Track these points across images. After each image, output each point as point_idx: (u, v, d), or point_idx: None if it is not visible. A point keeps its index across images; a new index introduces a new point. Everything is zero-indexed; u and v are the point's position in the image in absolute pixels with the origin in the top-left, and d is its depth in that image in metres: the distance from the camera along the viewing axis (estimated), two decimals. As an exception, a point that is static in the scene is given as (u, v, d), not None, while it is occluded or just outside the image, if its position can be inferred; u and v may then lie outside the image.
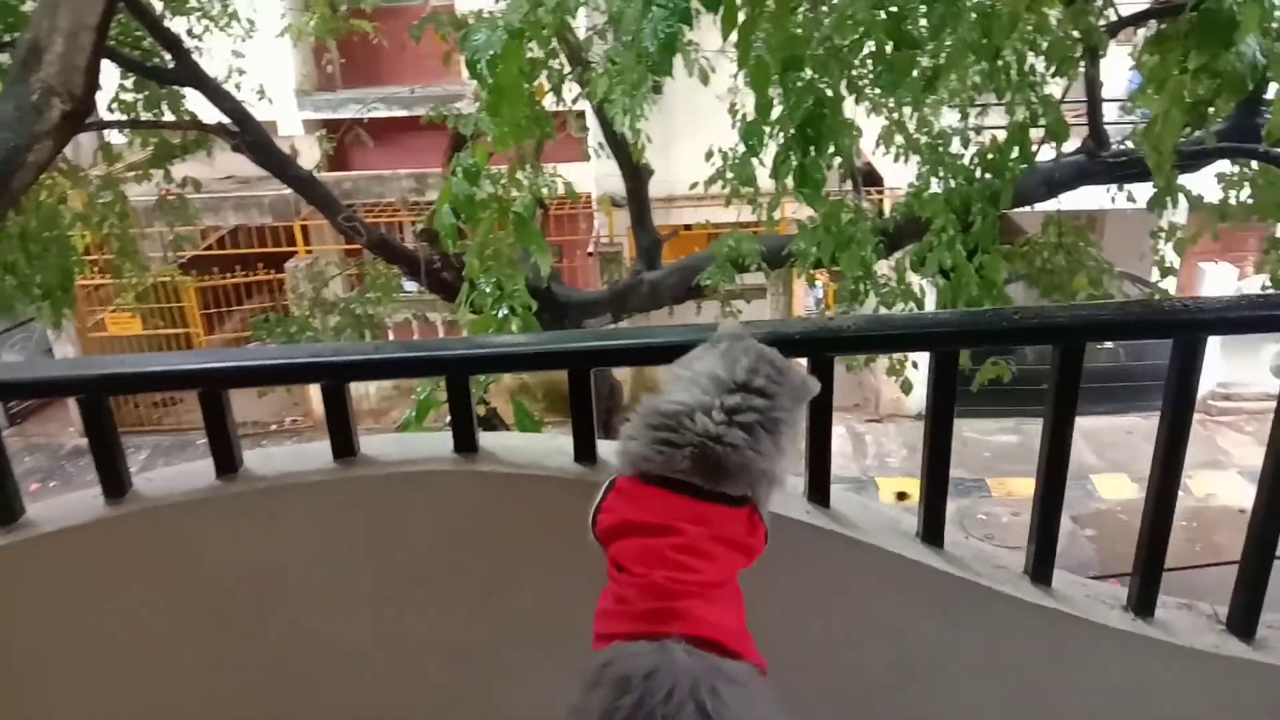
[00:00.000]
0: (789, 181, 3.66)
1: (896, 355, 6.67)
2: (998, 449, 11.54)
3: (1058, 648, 1.77)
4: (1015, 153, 5.14)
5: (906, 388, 6.46)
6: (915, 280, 5.95)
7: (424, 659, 1.85)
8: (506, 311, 3.54)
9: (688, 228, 11.55)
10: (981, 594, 1.72)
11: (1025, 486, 10.95)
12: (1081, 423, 1.69)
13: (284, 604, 1.81)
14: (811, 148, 3.60)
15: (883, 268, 6.13)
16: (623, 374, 11.77)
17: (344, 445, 1.74)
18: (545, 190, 6.81)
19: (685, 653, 1.16)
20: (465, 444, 1.73)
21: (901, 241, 6.34)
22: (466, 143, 6.54)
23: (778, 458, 1.32)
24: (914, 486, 10.96)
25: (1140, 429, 11.56)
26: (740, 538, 1.30)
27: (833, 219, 5.09)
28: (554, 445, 1.78)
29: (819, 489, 1.76)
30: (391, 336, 12.61)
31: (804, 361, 1.63)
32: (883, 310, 6.03)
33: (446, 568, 1.78)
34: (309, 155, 11.35)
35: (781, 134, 3.73)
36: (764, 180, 4.73)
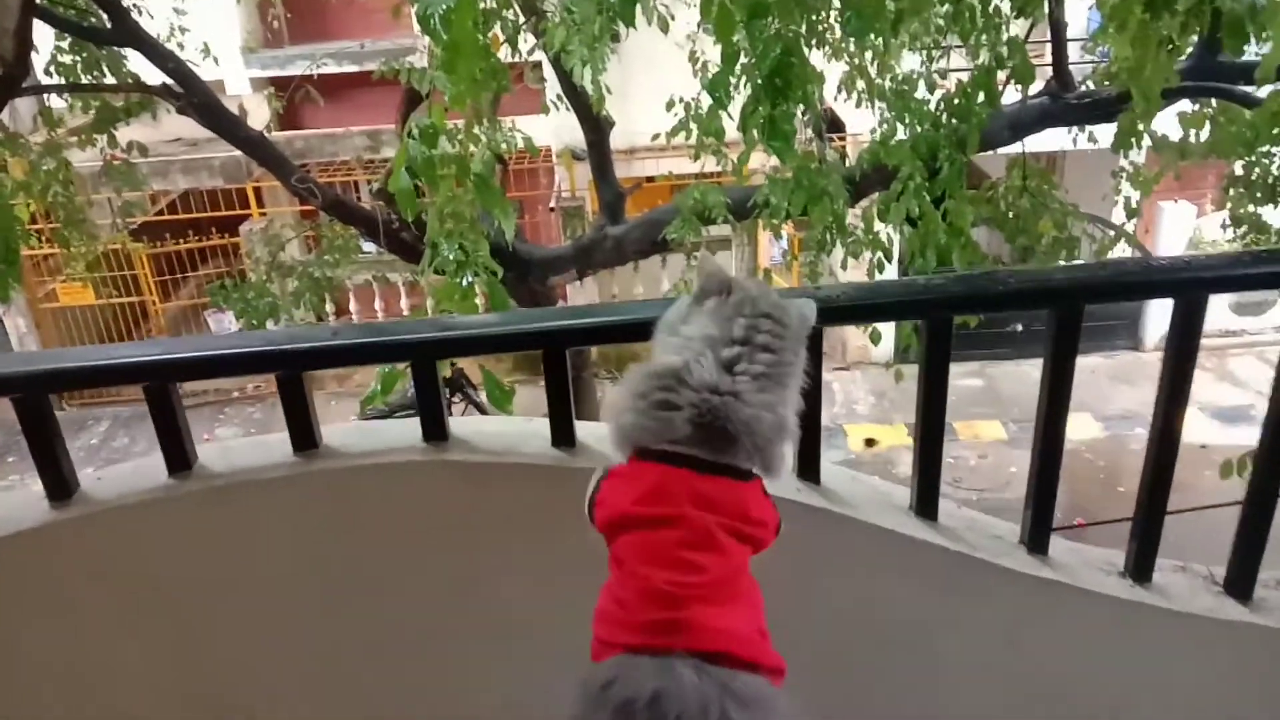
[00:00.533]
0: (757, 134, 3.55)
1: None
2: (963, 393, 11.59)
3: (1056, 619, 1.72)
4: (981, 97, 5.07)
5: (875, 338, 6.42)
6: (883, 229, 5.88)
7: (396, 659, 1.76)
8: (471, 278, 3.43)
9: (650, 179, 11.39)
10: (978, 567, 1.66)
11: (991, 430, 11.05)
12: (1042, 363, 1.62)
13: (245, 606, 1.71)
14: (780, 97, 3.49)
15: (848, 217, 6.05)
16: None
17: (304, 437, 1.63)
18: (504, 145, 6.65)
19: (693, 671, 1.06)
20: (435, 432, 1.63)
21: (867, 189, 6.26)
22: (421, 99, 6.37)
23: (789, 406, 1.21)
24: (883, 433, 11.08)
25: (1102, 369, 11.67)
26: (749, 523, 1.19)
27: (804, 172, 4.99)
28: (530, 429, 1.68)
29: (809, 465, 1.68)
30: (353, 299, 12.41)
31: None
32: (850, 260, 5.97)
33: (418, 563, 1.69)
34: (258, 114, 11.05)
35: (748, 85, 3.61)
36: (729, 130, 4.61)
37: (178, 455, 1.62)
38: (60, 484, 1.63)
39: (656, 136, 6.83)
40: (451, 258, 3.51)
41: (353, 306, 12.57)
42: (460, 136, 5.39)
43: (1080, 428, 10.67)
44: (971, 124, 5.08)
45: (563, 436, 1.64)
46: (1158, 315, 11.43)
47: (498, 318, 1.82)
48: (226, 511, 1.64)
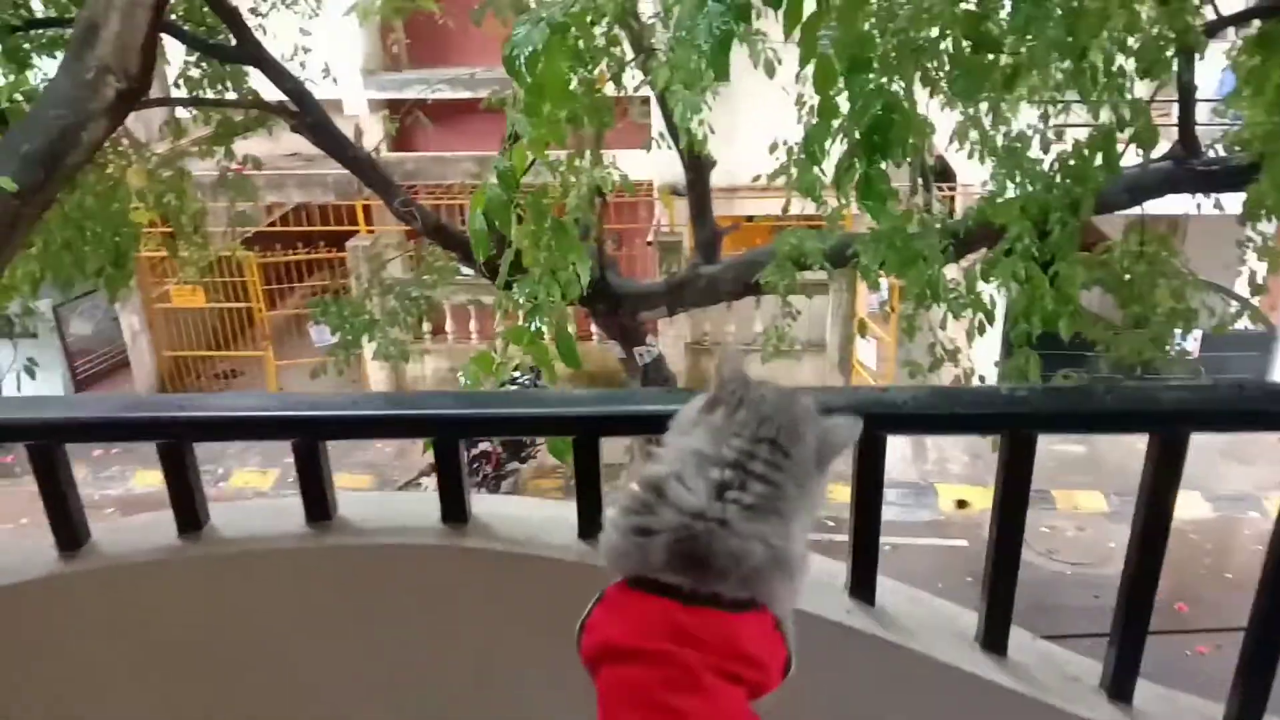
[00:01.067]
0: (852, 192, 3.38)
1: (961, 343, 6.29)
2: (1064, 459, 11.06)
3: (1139, 783, 1.51)
4: (1099, 159, 4.80)
5: (973, 401, 6.11)
6: (985, 289, 5.62)
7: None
8: (540, 323, 3.33)
9: (750, 219, 11.26)
10: (1049, 716, 1.46)
11: (1091, 500, 10.55)
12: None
13: (249, 673, 1.62)
14: (877, 155, 3.32)
15: (952, 270, 5.81)
16: (678, 366, 11.52)
17: (318, 507, 1.53)
18: (602, 179, 6.60)
19: None
20: (454, 513, 1.51)
21: (973, 245, 6.01)
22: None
23: (792, 539, 1.03)
24: (975, 495, 10.65)
25: (1215, 443, 11.01)
26: (744, 663, 1.01)
27: (899, 233, 4.77)
28: (557, 516, 1.55)
29: (863, 583, 1.50)
30: (449, 319, 12.55)
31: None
32: (949, 318, 5.73)
33: (431, 651, 1.57)
34: (373, 134, 11.29)
35: (846, 139, 3.45)
36: (827, 180, 4.46)
37: (189, 515, 1.54)
38: (70, 534, 1.56)
39: (757, 179, 6.70)
40: (522, 300, 3.44)
41: (448, 326, 12.71)
42: (563, 169, 5.36)
43: (1188, 506, 10.09)
44: (1087, 187, 4.82)
45: (591, 528, 1.51)
46: None
47: (528, 399, 1.71)
48: (234, 577, 1.55)
